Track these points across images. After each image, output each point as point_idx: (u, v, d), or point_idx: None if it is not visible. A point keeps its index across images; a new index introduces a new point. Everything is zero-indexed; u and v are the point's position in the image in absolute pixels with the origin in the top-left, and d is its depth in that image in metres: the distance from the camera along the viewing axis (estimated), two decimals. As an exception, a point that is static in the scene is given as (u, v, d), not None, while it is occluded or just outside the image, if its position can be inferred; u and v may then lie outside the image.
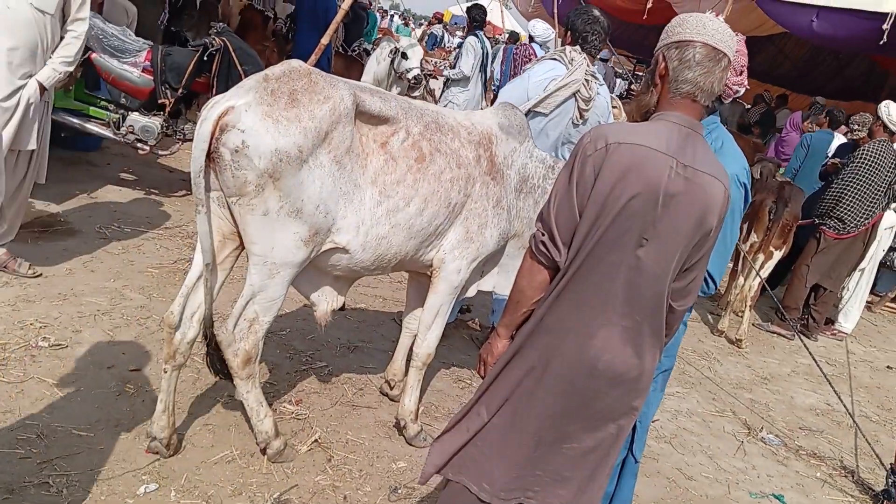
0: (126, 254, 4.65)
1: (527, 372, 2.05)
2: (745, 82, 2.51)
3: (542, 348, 2.04)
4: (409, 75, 8.46)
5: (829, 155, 7.39)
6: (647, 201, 1.88)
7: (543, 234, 2.02)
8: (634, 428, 2.64)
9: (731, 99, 2.57)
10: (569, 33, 4.05)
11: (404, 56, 8.26)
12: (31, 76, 3.89)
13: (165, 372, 2.86)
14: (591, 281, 1.96)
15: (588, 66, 3.93)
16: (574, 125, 3.96)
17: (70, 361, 3.37)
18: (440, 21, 20.96)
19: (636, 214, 1.89)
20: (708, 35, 1.94)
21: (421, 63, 8.75)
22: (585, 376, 1.99)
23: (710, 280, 2.47)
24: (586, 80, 3.89)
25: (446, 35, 19.46)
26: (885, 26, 7.03)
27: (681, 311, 2.07)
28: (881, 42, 7.09)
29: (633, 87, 16.13)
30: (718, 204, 1.94)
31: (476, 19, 8.86)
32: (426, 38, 18.96)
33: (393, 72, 8.44)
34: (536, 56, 8.20)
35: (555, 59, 3.98)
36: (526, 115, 3.79)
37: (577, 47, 3.97)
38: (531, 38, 8.48)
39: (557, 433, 2.05)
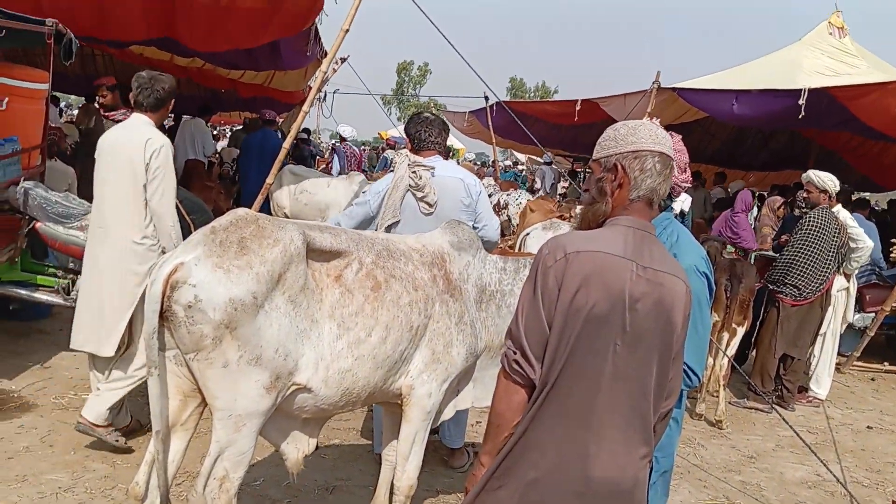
0: (85, 422, 4.46)
1: (510, 497, 1.97)
2: (690, 178, 2.63)
3: (525, 468, 1.95)
4: None
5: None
6: (612, 307, 1.89)
7: (515, 352, 1.98)
8: None
9: (681, 194, 2.68)
10: (409, 141, 4.26)
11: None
12: None
13: (135, 546, 2.70)
14: (571, 393, 1.91)
15: (409, 157, 4.04)
16: (425, 215, 3.98)
17: (31, 549, 3.17)
18: (392, 147, 21.46)
19: (604, 321, 1.89)
20: (661, 144, 2.04)
21: None
22: (577, 494, 1.92)
23: (691, 373, 2.45)
24: (414, 172, 3.97)
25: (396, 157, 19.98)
26: (800, 101, 7.52)
27: (665, 412, 2.05)
28: (800, 116, 7.56)
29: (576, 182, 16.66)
30: (682, 301, 1.98)
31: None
32: (378, 161, 19.46)
33: None
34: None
35: (390, 171, 4.15)
36: (387, 229, 3.89)
37: (403, 151, 4.17)
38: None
39: None
